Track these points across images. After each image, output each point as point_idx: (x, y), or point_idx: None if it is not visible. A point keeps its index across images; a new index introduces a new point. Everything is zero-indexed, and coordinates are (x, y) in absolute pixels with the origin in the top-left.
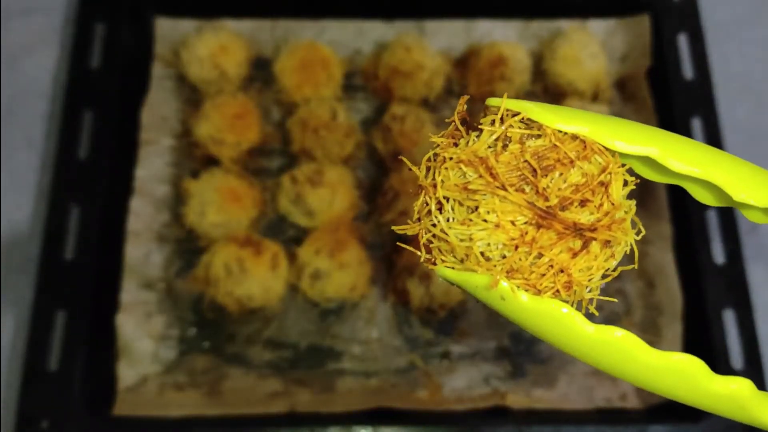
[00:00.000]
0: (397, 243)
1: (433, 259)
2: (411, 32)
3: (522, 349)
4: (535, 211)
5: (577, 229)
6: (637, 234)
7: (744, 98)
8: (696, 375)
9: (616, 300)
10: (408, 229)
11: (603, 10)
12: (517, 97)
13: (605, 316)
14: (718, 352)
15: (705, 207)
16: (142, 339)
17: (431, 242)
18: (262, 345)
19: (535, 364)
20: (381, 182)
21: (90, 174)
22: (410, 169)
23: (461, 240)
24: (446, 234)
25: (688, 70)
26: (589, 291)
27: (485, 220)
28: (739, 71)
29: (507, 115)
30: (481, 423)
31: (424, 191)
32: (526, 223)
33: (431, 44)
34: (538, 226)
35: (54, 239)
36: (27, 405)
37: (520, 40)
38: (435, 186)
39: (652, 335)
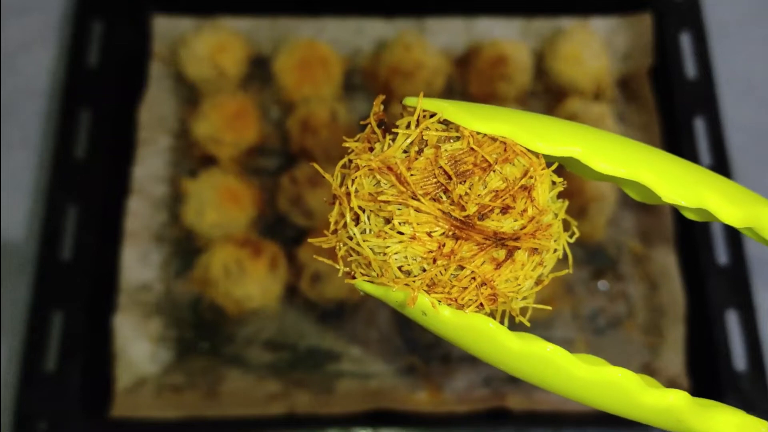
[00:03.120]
0: (314, 256)
1: (352, 273)
2: (411, 30)
3: None
4: (450, 221)
5: (499, 239)
6: (571, 236)
7: (747, 97)
8: (628, 389)
9: (549, 308)
10: (324, 241)
11: (605, 8)
12: (518, 96)
13: (608, 319)
14: (721, 354)
15: None
16: (140, 340)
17: (351, 255)
18: (260, 346)
19: None
20: None
21: (87, 173)
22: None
23: (377, 253)
24: (361, 247)
25: (690, 69)
26: (524, 299)
27: (400, 232)
28: (743, 70)
29: (424, 116)
30: (482, 425)
31: (338, 201)
32: (443, 234)
33: (432, 42)
34: (456, 238)
35: (51, 239)
36: (25, 406)
37: (522, 38)
38: (349, 195)
39: (655, 337)
